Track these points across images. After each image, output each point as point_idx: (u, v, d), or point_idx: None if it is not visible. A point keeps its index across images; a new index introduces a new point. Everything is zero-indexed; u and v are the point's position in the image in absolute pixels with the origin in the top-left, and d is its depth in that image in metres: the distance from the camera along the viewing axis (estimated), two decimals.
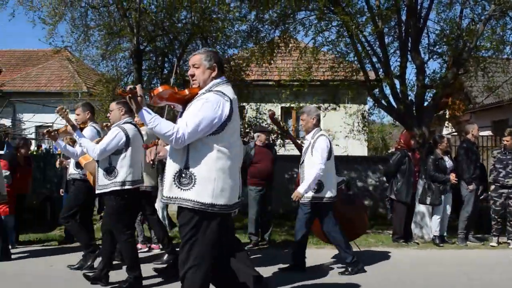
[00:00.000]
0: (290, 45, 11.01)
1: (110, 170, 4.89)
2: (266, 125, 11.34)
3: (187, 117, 3.17)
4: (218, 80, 3.35)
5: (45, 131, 5.60)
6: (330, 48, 10.51)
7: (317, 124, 5.78)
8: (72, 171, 6.06)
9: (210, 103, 3.18)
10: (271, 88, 12.80)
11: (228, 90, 3.33)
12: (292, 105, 11.88)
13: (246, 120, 11.93)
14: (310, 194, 5.60)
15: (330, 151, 5.60)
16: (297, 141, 6.72)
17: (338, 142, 12.96)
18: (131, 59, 10.53)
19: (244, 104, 11.95)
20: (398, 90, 9.96)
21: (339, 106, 11.24)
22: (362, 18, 9.94)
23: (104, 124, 5.86)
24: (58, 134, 5.68)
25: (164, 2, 9.96)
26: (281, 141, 12.21)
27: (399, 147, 8.34)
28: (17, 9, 9.48)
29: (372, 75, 10.47)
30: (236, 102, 3.38)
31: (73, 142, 6.34)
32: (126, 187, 4.89)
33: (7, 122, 18.00)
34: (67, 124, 5.30)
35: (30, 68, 20.40)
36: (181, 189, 3.16)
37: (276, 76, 12.88)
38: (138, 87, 3.31)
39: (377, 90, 10.60)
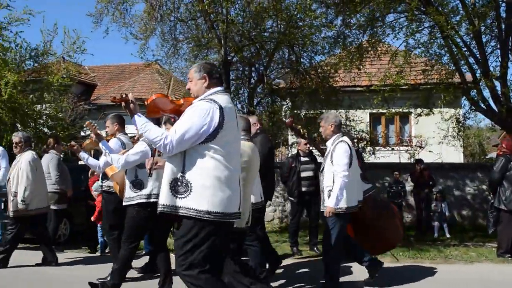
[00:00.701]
0: (379, 49, 10.68)
1: (136, 183, 4.95)
2: (355, 133, 11.06)
3: (176, 125, 3.26)
4: (212, 90, 3.41)
5: (69, 144, 5.78)
6: (422, 50, 10.05)
7: (336, 131, 5.41)
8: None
9: (199, 110, 3.24)
10: (360, 94, 12.49)
11: (221, 98, 3.35)
12: (382, 111, 11.49)
13: None
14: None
15: (350, 158, 5.19)
16: (322, 148, 6.24)
17: (431, 149, 12.34)
18: (219, 69, 10.70)
19: (333, 111, 11.73)
20: (499, 92, 9.30)
21: (433, 112, 10.66)
22: (456, 18, 9.42)
23: (136, 136, 5.80)
24: (82, 147, 5.87)
25: (250, 12, 10.06)
26: (371, 148, 11.85)
27: (501, 152, 7.73)
28: (110, 26, 9.95)
29: (468, 77, 9.87)
30: (232, 111, 3.39)
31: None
32: (152, 200, 4.86)
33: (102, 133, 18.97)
34: (91, 137, 5.48)
35: (123, 82, 21.43)
36: (177, 197, 3.22)
37: (365, 82, 12.55)
38: (130, 94, 3.47)
39: (474, 92, 9.97)
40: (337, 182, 5.08)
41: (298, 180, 7.66)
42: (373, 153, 11.78)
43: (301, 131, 6.34)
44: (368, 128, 12.50)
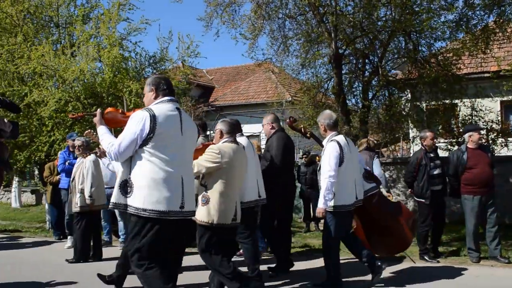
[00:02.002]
0: (508, 30, 9.60)
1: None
2: (483, 123, 10.05)
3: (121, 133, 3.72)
4: (157, 100, 3.85)
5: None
6: None
7: (329, 130, 5.45)
8: None
9: (134, 118, 3.66)
10: (488, 80, 11.36)
11: (161, 106, 3.76)
12: None
13: (460, 119, 10.74)
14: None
15: (341, 157, 5.22)
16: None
17: None
18: (331, 64, 10.35)
19: (457, 101, 10.79)
20: None
21: None
22: None
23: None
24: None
25: (361, 2, 9.58)
26: (503, 140, 10.69)
27: None
28: (220, 28, 10.02)
29: None
30: (173, 119, 3.75)
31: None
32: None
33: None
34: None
35: (239, 83, 21.89)
36: (125, 196, 3.66)
37: (493, 67, 11.39)
38: (98, 110, 4.09)
39: None
40: (323, 182, 5.22)
41: (428, 179, 6.98)
42: (506, 145, 10.61)
43: (303, 129, 6.13)
44: (499, 118, 11.28)
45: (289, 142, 6.47)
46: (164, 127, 3.66)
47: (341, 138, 5.42)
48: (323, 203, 5.18)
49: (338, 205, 5.24)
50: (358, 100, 11.24)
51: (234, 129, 4.99)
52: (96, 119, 4.04)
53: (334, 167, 5.16)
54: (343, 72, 10.74)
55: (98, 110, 4.08)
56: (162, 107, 3.75)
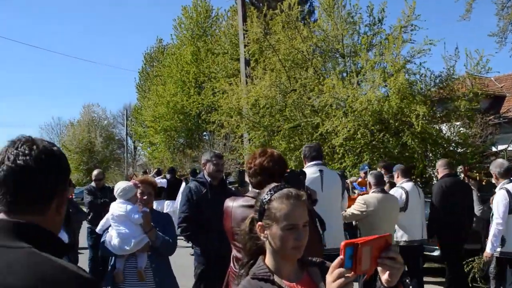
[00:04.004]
0: None
1: None
2: None
3: None
4: (306, 165, 5.33)
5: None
6: None
7: (502, 177, 5.60)
8: None
9: None
10: None
11: (306, 170, 4.68)
12: None
13: None
14: None
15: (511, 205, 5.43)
16: None
17: None
18: None
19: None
20: None
21: None
22: None
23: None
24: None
25: None
26: None
27: None
28: None
29: None
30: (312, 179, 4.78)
31: None
32: None
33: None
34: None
35: None
36: None
37: None
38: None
39: None
40: (492, 228, 5.45)
41: None
42: None
43: (478, 176, 6.31)
44: None
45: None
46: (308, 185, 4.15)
47: (509, 186, 5.50)
48: (491, 248, 5.39)
49: (506, 251, 5.38)
50: None
51: (381, 181, 5.75)
52: None
53: (501, 215, 5.33)
54: None
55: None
56: (307, 171, 4.64)
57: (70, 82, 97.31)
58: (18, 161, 1.36)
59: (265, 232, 1.89)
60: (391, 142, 10.57)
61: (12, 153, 1.37)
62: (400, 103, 10.42)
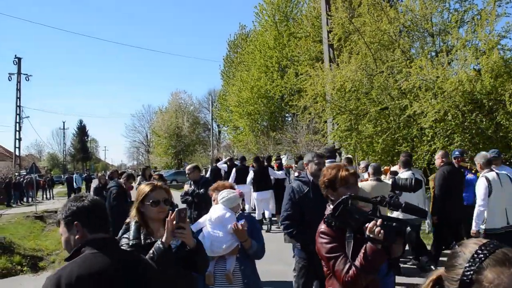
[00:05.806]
0: None
1: None
2: None
3: None
4: None
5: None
6: None
7: (485, 166, 6.31)
8: None
9: None
10: None
11: None
12: None
13: None
14: None
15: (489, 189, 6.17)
16: None
17: None
18: None
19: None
20: None
21: None
22: None
23: None
24: None
25: None
26: None
27: None
28: None
29: None
30: None
31: None
32: None
33: None
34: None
35: None
36: None
37: None
38: None
39: None
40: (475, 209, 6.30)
41: None
42: None
43: None
44: None
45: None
46: None
47: (491, 174, 6.16)
48: (475, 226, 6.12)
49: (488, 228, 6.08)
50: None
51: (378, 171, 6.61)
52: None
53: (482, 197, 6.05)
54: None
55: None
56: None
57: (159, 73, 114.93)
58: None
59: None
60: (484, 122, 10.22)
61: None
62: (493, 81, 10.00)
